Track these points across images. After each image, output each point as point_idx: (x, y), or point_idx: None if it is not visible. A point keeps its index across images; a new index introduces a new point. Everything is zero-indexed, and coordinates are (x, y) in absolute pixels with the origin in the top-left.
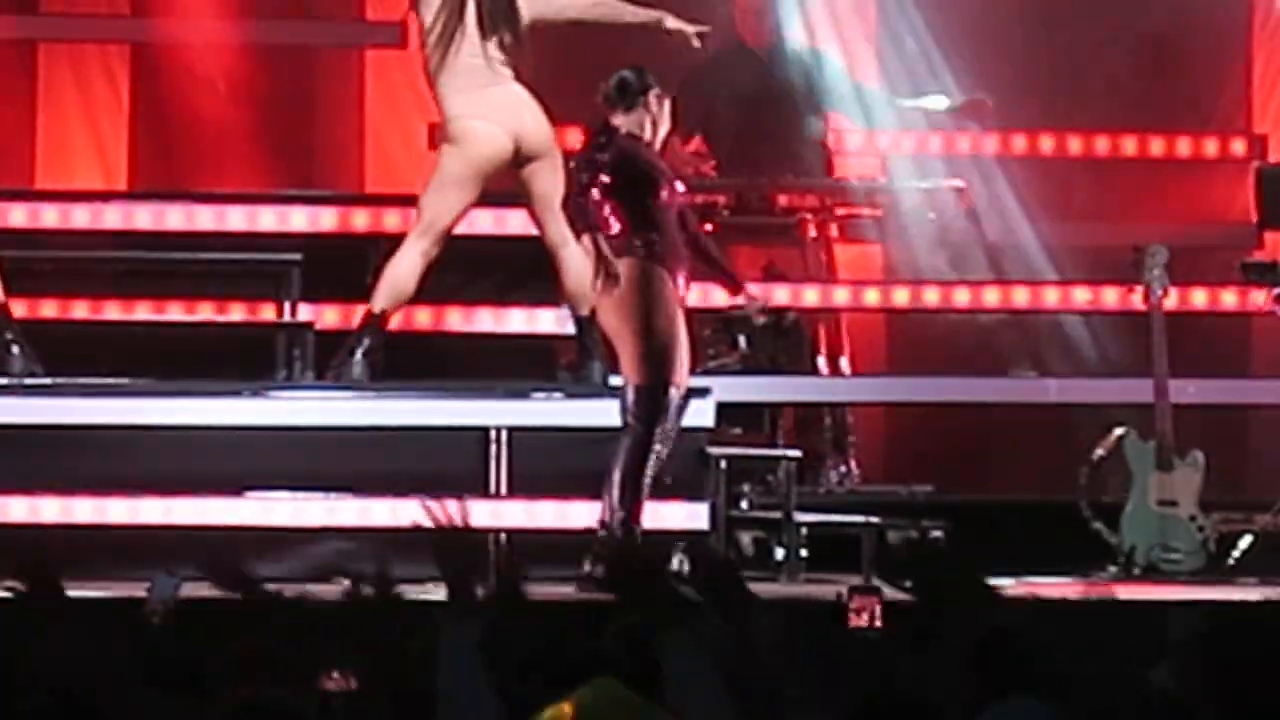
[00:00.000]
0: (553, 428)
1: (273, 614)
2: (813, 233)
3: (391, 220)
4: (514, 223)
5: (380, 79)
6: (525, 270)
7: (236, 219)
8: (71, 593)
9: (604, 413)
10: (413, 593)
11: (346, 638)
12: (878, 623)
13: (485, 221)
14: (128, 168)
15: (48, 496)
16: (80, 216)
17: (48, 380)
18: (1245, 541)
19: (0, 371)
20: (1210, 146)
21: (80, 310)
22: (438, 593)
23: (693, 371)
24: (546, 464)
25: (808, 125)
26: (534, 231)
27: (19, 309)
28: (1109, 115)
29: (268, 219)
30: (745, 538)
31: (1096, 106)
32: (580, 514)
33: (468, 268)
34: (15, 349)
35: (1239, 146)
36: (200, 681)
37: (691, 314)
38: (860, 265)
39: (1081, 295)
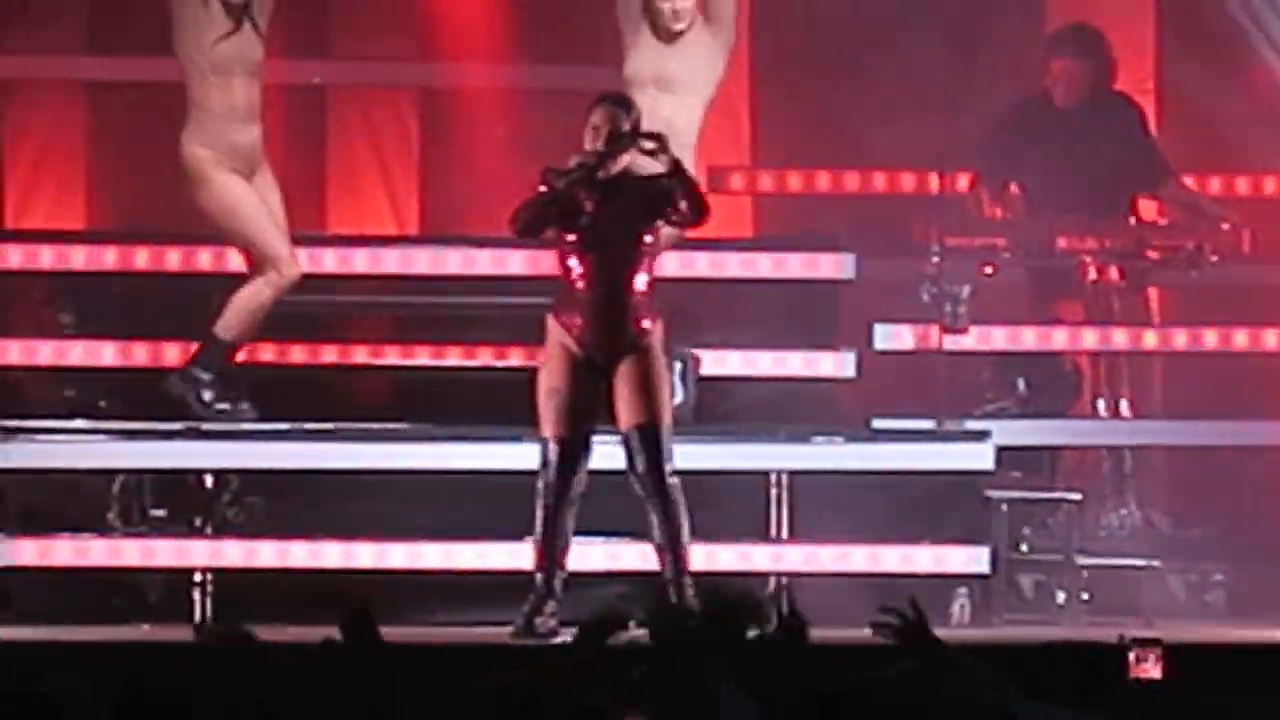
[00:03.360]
0: (834, 471)
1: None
2: (1092, 275)
3: (671, 265)
4: (763, 267)
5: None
6: (799, 312)
7: (516, 263)
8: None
9: (884, 457)
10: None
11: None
12: (1156, 674)
13: (766, 265)
14: (419, 212)
15: (328, 542)
16: (360, 261)
17: (329, 425)
18: None
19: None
20: None
21: (360, 355)
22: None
23: (971, 415)
24: (826, 508)
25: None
26: (795, 275)
27: (299, 354)
28: None
29: (548, 263)
30: (1026, 580)
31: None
32: (860, 558)
33: (733, 313)
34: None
35: None
36: None
37: (970, 357)
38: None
39: None
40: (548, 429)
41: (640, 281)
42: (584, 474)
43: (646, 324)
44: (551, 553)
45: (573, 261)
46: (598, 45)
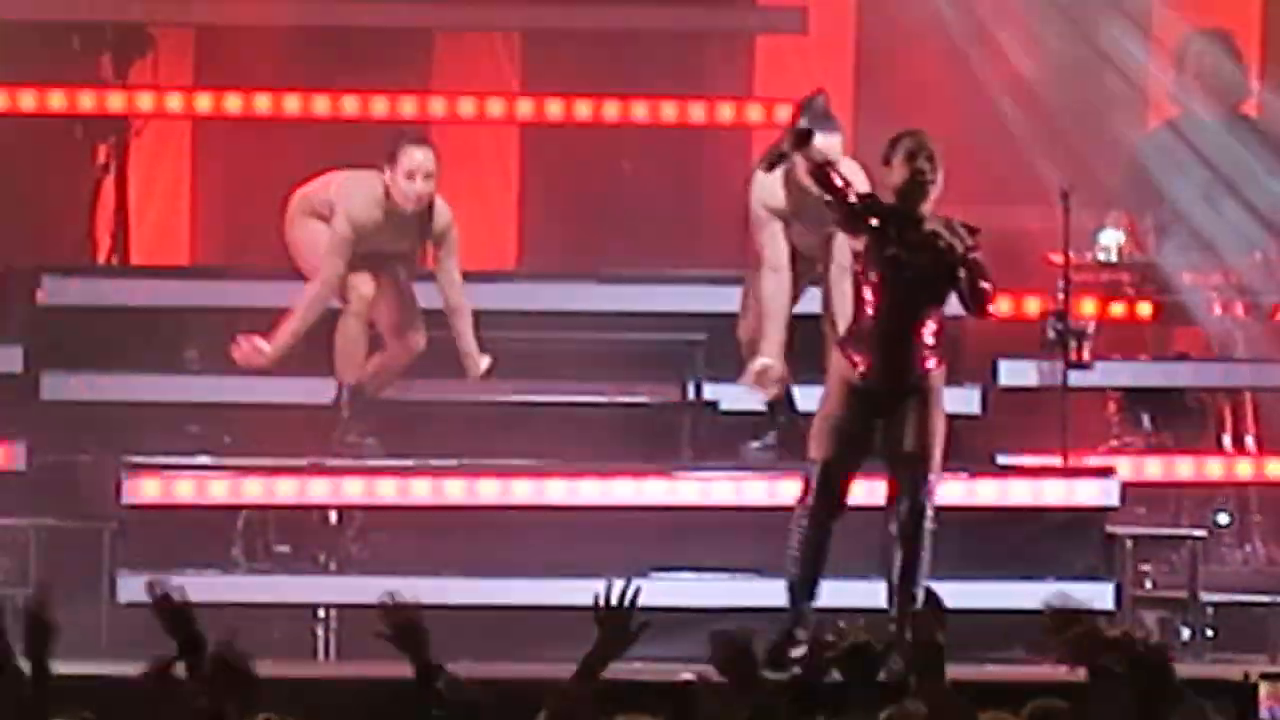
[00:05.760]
0: (959, 508)
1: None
2: (1218, 310)
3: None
4: None
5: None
6: None
7: (640, 298)
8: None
9: (1009, 493)
10: None
11: None
12: None
13: None
14: (517, 246)
15: (451, 579)
16: (485, 295)
17: (452, 461)
18: None
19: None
20: None
21: (484, 392)
22: None
23: (1096, 451)
24: (950, 543)
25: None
26: None
27: (426, 390)
28: None
29: (670, 298)
30: (1150, 617)
31: None
32: (985, 594)
33: None
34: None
35: None
36: None
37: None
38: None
39: None
40: (818, 452)
41: (930, 324)
42: (845, 504)
43: (931, 365)
44: (806, 580)
45: (867, 295)
46: (701, 83)
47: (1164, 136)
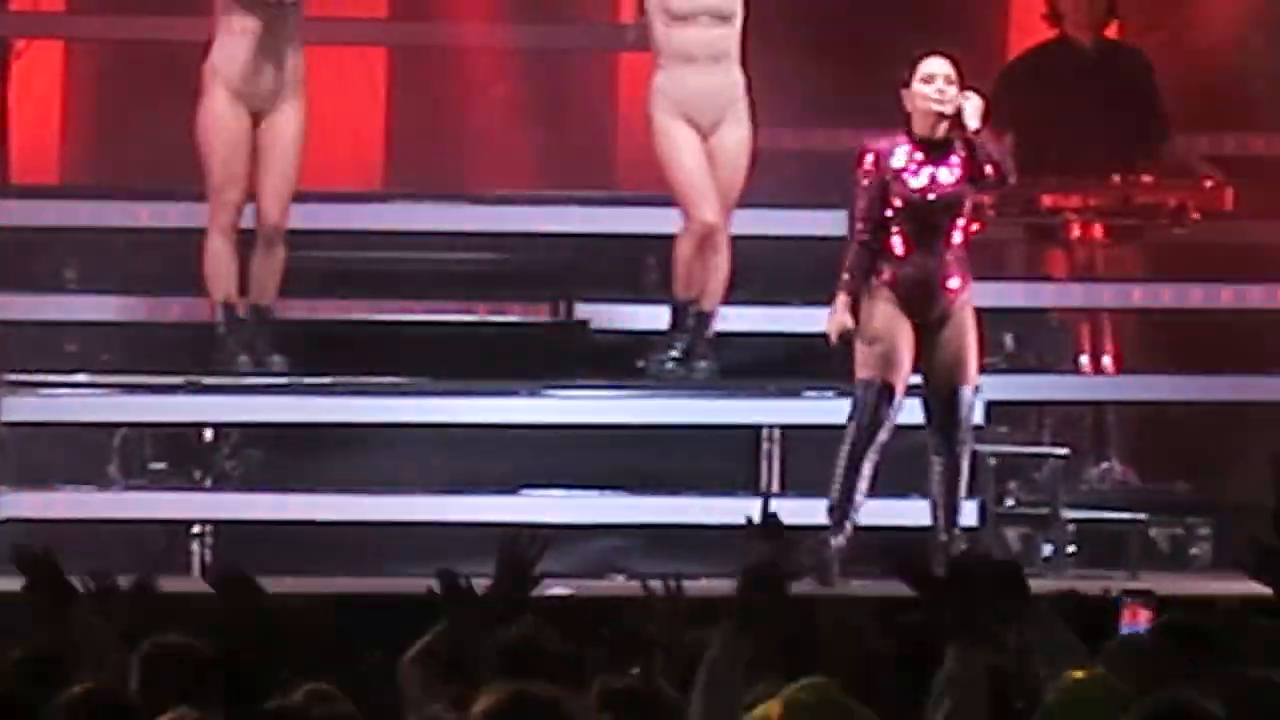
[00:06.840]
0: (825, 426)
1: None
2: (1077, 232)
3: (664, 220)
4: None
5: (633, 78)
6: (800, 271)
7: (511, 219)
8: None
9: None
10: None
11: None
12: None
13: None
14: (384, 168)
15: (324, 495)
16: (357, 217)
17: (326, 379)
18: None
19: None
20: None
21: (357, 311)
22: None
23: None
24: (819, 463)
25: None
26: (805, 232)
27: (299, 310)
28: None
29: (542, 219)
30: (1012, 534)
31: None
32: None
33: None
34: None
35: None
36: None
37: None
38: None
39: None
40: (865, 372)
41: (952, 241)
42: (892, 421)
43: (954, 284)
44: (847, 493)
45: (890, 219)
46: (569, 7)
47: (1035, 56)
